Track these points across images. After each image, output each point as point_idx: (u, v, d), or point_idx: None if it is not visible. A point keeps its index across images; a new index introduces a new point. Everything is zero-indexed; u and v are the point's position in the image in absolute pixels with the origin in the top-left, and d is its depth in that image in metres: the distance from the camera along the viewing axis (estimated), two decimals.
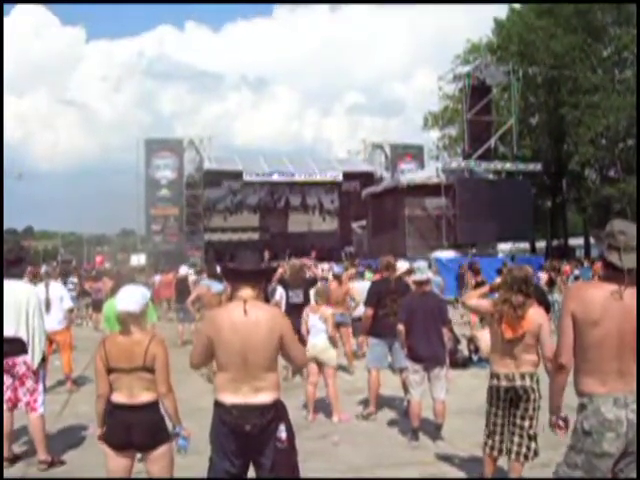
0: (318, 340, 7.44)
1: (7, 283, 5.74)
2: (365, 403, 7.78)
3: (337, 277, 10.86)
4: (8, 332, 5.63)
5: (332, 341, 7.47)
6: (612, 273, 3.28)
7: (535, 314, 4.75)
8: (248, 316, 3.62)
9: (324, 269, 19.63)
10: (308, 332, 7.56)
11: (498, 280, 5.41)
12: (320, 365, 7.46)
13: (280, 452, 3.59)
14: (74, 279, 19.67)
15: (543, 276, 15.26)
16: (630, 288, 3.20)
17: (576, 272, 19.42)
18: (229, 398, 3.58)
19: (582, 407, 3.28)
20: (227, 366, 3.62)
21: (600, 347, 3.21)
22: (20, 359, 5.69)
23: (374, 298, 7.55)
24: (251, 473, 3.77)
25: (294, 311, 8.56)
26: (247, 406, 3.55)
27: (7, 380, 5.67)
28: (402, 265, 8.23)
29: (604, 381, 3.21)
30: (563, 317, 3.34)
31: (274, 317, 3.75)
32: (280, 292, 10.53)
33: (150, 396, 3.87)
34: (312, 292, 10.47)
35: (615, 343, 3.19)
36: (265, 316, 3.67)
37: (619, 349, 3.19)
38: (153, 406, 3.88)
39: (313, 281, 10.68)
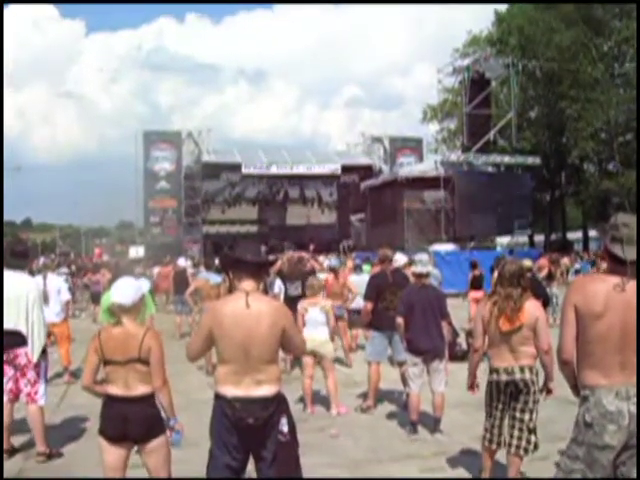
0: (318, 333, 7.38)
1: (8, 275, 5.71)
2: (364, 396, 7.77)
3: (333, 270, 10.82)
4: (7, 325, 5.60)
5: (331, 334, 7.44)
6: (615, 266, 3.26)
7: (532, 307, 4.73)
8: (250, 309, 3.59)
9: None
10: (304, 325, 7.47)
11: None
12: (317, 358, 7.43)
13: (282, 445, 3.58)
14: (65, 269, 19.62)
15: (543, 263, 15.22)
16: (633, 281, 3.19)
17: (577, 265, 19.44)
18: (230, 391, 3.56)
19: (584, 399, 3.28)
20: (229, 358, 3.60)
21: (603, 340, 3.20)
22: (22, 350, 5.67)
23: (374, 291, 7.51)
24: (250, 467, 3.76)
25: (292, 303, 8.53)
26: (249, 399, 3.54)
27: (9, 371, 5.65)
28: (400, 258, 8.19)
29: (606, 374, 3.19)
30: (566, 310, 3.33)
31: (276, 310, 3.73)
32: (279, 285, 10.52)
33: (146, 388, 3.85)
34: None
35: (618, 336, 3.18)
36: (267, 309, 3.65)
37: (622, 342, 3.17)
38: (149, 398, 3.86)
39: (311, 273, 10.65)
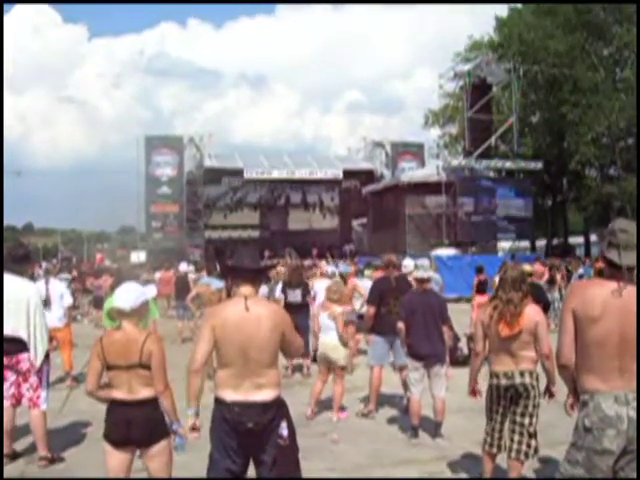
0: (329, 338, 7.42)
1: (8, 280, 5.72)
2: (365, 401, 7.77)
3: (342, 276, 10.81)
4: (6, 329, 5.59)
5: (342, 340, 7.45)
6: (613, 271, 3.28)
7: (532, 311, 4.75)
8: (250, 313, 3.63)
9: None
10: (319, 329, 7.57)
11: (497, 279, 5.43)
12: (329, 364, 7.45)
13: (281, 449, 3.60)
14: (67, 275, 19.63)
15: (538, 268, 15.21)
16: (630, 286, 3.21)
17: (580, 270, 19.44)
18: (230, 395, 3.58)
19: (584, 404, 3.29)
20: (228, 363, 3.63)
21: (601, 345, 3.22)
22: (24, 355, 5.68)
23: (376, 296, 7.55)
24: (250, 471, 3.78)
25: (291, 310, 8.54)
26: (248, 403, 3.56)
27: (11, 376, 5.66)
28: (409, 263, 8.18)
29: (605, 378, 3.21)
30: (564, 315, 3.35)
31: (275, 313, 3.78)
32: (279, 290, 10.54)
33: (149, 392, 3.87)
34: (319, 287, 10.40)
35: (616, 341, 3.20)
36: (267, 312, 3.69)
37: (620, 347, 3.19)
38: (152, 402, 3.88)
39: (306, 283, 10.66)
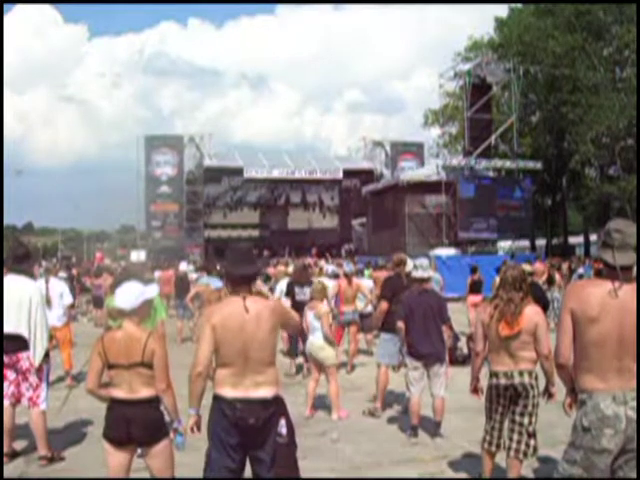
0: (315, 338, 7.45)
1: (10, 279, 5.73)
2: (367, 400, 7.76)
3: (347, 276, 10.82)
4: (7, 328, 5.61)
5: (328, 339, 7.45)
6: (609, 271, 3.29)
7: (531, 312, 4.75)
8: (250, 313, 3.65)
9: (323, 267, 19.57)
10: (307, 329, 7.58)
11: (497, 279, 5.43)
12: (319, 363, 7.46)
13: (280, 447, 3.61)
14: (63, 274, 19.62)
15: (538, 267, 15.22)
16: (627, 286, 3.21)
17: (580, 270, 19.44)
18: (230, 392, 3.60)
19: (582, 404, 3.30)
20: (229, 362, 3.64)
21: (599, 344, 3.22)
22: (24, 354, 5.68)
23: (389, 293, 7.56)
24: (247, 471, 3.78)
25: (300, 309, 8.54)
26: (249, 400, 3.57)
27: (11, 375, 5.67)
28: (408, 263, 8.21)
29: (604, 378, 3.22)
30: (562, 315, 3.36)
31: (273, 310, 3.83)
32: (280, 289, 10.53)
33: (150, 391, 3.87)
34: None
35: (614, 340, 3.20)
36: (265, 310, 3.73)
37: (618, 346, 3.20)
38: (153, 401, 3.88)
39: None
